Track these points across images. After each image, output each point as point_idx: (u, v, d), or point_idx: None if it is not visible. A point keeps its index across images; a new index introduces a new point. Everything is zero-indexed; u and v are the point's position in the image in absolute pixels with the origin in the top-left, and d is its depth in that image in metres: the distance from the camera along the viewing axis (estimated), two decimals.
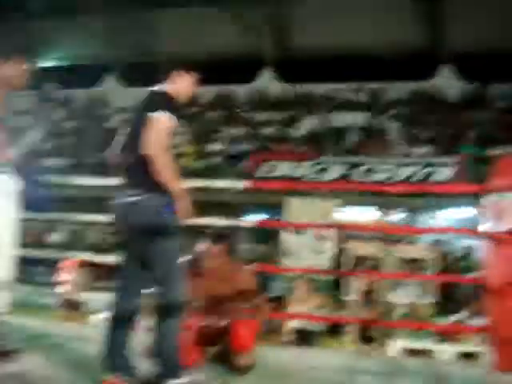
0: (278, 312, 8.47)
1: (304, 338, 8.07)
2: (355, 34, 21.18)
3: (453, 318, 8.97)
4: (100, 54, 25.74)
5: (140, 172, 3.23)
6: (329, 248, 12.77)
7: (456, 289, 11.97)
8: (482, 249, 4.85)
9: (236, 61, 22.03)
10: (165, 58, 24.75)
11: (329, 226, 12.67)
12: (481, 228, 4.66)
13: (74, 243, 17.87)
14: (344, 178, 16.29)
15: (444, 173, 15.94)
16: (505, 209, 4.24)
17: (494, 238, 4.34)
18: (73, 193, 15.80)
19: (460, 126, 18.24)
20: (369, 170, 16.58)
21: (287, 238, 13.40)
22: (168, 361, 3.16)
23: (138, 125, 3.31)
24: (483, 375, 4.19)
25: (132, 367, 3.29)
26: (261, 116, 21.78)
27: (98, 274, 16.01)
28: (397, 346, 8.63)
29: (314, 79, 21.93)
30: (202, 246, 4.10)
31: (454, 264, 14.08)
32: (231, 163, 18.19)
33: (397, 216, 17.40)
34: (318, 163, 17.30)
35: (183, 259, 3.33)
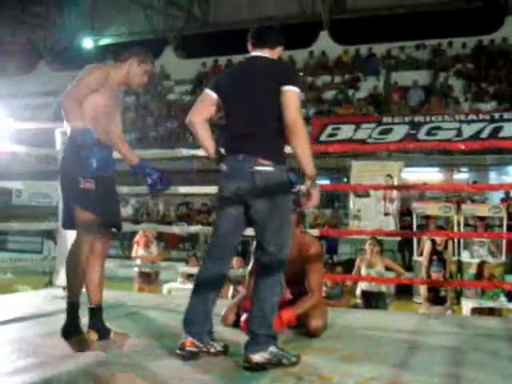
0: (347, 275, 8.50)
1: (373, 300, 8.07)
2: None
3: None
4: (156, 28, 26.01)
5: (266, 143, 3.18)
6: (395, 209, 12.65)
7: None
8: None
9: (292, 25, 21.89)
10: (220, 27, 24.92)
11: (395, 187, 12.55)
12: None
13: (143, 216, 18.30)
14: (408, 137, 16.01)
15: None
16: None
17: None
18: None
19: None
20: (433, 129, 16.24)
21: (353, 201, 13.35)
22: (266, 322, 3.14)
23: (259, 94, 3.20)
24: None
25: (213, 334, 3.32)
26: (321, 79, 21.61)
27: (169, 245, 16.45)
28: (468, 305, 8.55)
29: (373, 39, 21.60)
30: None
31: None
32: None
33: (463, 175, 17.11)
34: (381, 124, 17.06)
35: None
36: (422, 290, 8.39)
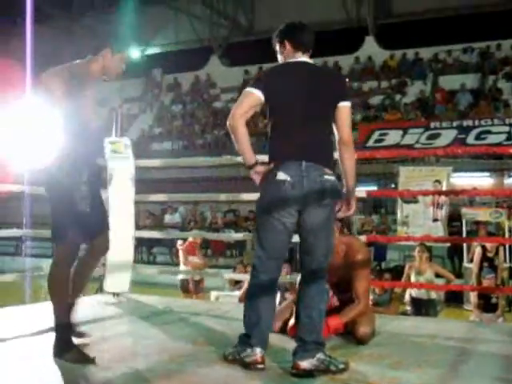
0: (396, 282, 8.42)
1: (423, 307, 7.98)
2: None
3: None
4: (202, 37, 26.28)
5: (327, 153, 3.26)
6: (444, 215, 12.45)
7: None
8: None
9: (338, 31, 21.83)
10: (264, 35, 25.02)
11: (444, 193, 12.37)
12: None
13: (189, 223, 18.44)
14: (456, 142, 15.78)
15: None
16: None
17: None
18: (185, 174, 16.32)
19: None
20: (483, 133, 15.98)
21: (401, 207, 13.21)
22: (315, 329, 3.16)
23: (323, 105, 3.25)
24: None
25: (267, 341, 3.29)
26: (367, 85, 21.51)
27: (216, 252, 16.55)
28: None
29: (420, 43, 21.40)
30: None
31: None
32: None
33: None
34: (429, 129, 16.87)
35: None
36: (473, 297, 8.25)
